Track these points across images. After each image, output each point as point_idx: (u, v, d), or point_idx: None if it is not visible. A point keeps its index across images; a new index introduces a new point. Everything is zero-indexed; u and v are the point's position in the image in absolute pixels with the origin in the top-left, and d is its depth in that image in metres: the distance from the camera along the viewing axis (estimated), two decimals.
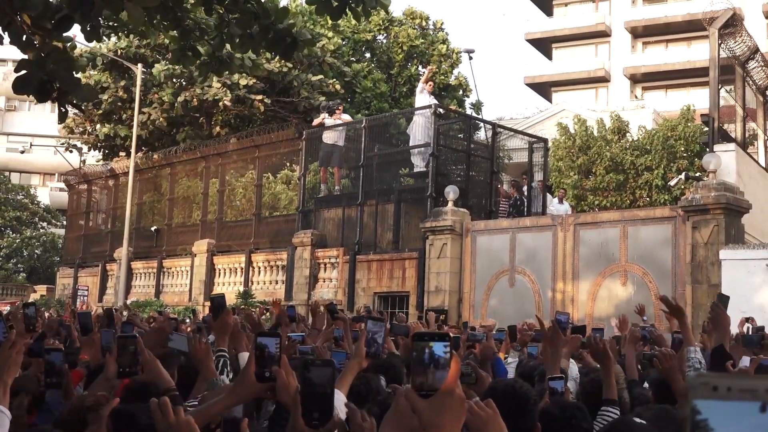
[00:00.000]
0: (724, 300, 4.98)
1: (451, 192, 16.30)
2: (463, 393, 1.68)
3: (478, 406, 1.95)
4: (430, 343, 1.62)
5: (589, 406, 3.91)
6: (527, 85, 49.09)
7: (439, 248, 16.15)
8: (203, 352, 3.59)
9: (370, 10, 6.23)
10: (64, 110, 6.41)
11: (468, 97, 34.13)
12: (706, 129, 17.99)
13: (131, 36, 24.99)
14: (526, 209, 18.79)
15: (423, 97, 18.42)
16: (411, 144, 18.36)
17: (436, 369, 1.62)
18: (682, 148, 23.01)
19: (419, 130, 17.98)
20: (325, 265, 18.42)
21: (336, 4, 6.29)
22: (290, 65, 25.78)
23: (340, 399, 2.28)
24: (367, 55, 32.83)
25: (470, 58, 22.03)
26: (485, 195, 18.69)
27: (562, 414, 3.37)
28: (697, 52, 41.21)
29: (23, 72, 5.96)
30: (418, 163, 18.08)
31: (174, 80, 26.27)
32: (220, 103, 25.32)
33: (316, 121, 19.62)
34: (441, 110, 18.14)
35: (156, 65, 26.34)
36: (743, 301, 12.34)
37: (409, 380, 1.68)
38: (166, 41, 10.49)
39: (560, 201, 19.52)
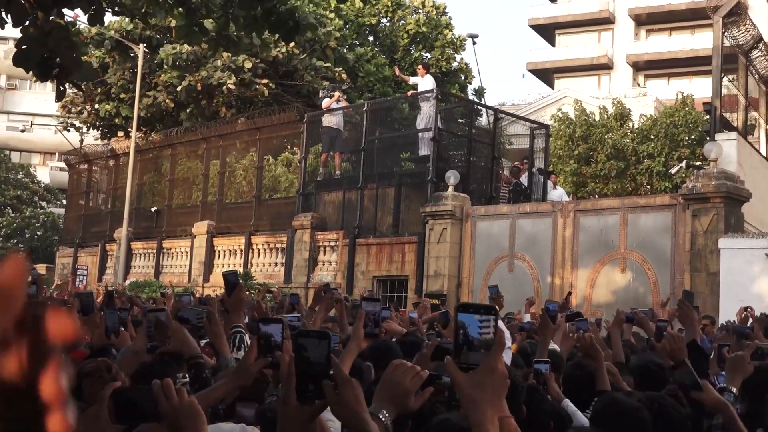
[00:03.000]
0: (689, 296, 5.10)
1: (452, 177, 16.25)
2: (506, 370, 1.66)
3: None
4: (475, 316, 1.62)
5: (581, 396, 4.01)
6: (530, 71, 48.97)
7: (438, 233, 16.16)
8: (216, 330, 3.54)
9: None
10: (63, 88, 6.41)
11: (470, 83, 33.88)
12: (707, 117, 18.01)
13: (136, 19, 24.98)
14: (527, 195, 18.60)
15: (425, 82, 18.35)
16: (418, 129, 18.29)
17: (478, 345, 1.60)
18: (685, 136, 23.05)
19: (424, 118, 17.94)
20: (325, 248, 18.42)
21: None
22: (296, 50, 25.70)
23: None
24: (371, 38, 32.73)
25: (474, 43, 21.91)
26: (486, 180, 18.68)
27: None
28: (700, 41, 41.12)
29: (23, 47, 5.95)
30: (425, 151, 18.00)
31: (179, 62, 26.22)
32: (224, 87, 25.22)
33: (325, 104, 19.61)
34: (440, 96, 18.01)
35: (161, 48, 26.26)
36: (742, 289, 12.44)
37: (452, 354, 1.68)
38: (172, 23, 10.42)
39: (554, 186, 19.53)
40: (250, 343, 2.66)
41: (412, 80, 19.62)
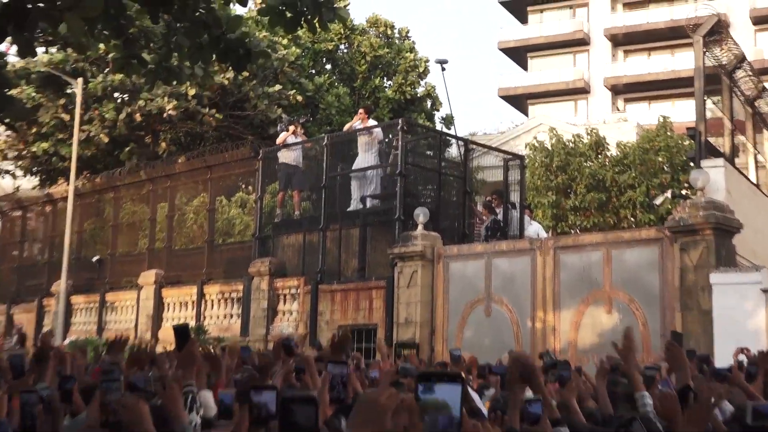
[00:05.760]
0: (678, 338, 5.08)
1: (421, 214, 16.15)
2: None
3: None
4: (437, 387, 1.55)
5: None
6: (502, 97, 49.41)
7: (408, 276, 16.01)
8: (171, 394, 3.41)
9: (327, 22, 6.22)
10: None
11: (438, 110, 34.26)
12: (689, 142, 18.18)
13: (68, 49, 24.80)
14: (504, 232, 18.48)
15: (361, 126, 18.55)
16: (355, 167, 18.32)
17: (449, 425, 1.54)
18: (664, 162, 23.33)
19: (363, 154, 18.09)
20: (285, 296, 18.25)
21: (291, 15, 6.28)
22: (246, 74, 25.67)
23: None
24: (328, 66, 32.96)
25: (443, 69, 22.00)
26: (458, 217, 18.61)
27: None
28: (681, 61, 41.89)
29: None
30: (376, 189, 18.06)
31: (116, 94, 26.05)
32: (165, 114, 25.05)
33: (279, 139, 19.61)
34: (405, 127, 17.93)
35: (92, 80, 26.05)
36: (737, 328, 12.37)
37: None
38: (109, 54, 10.40)
39: (530, 221, 19.41)
40: (241, 414, 2.57)
41: (350, 126, 19.37)
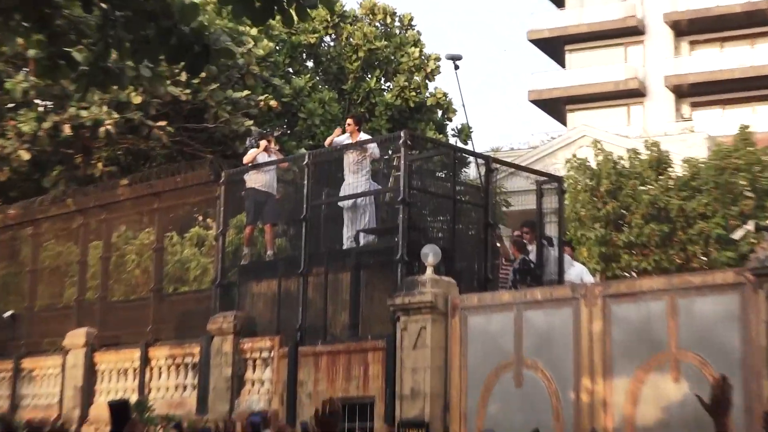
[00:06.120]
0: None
1: (431, 254, 16.02)
2: None
3: None
4: None
5: None
6: (533, 102, 49.55)
7: (415, 334, 15.86)
8: None
9: (307, 8, 6.23)
10: None
11: (451, 120, 34.32)
12: None
13: None
14: (537, 276, 18.40)
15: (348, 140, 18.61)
16: (342, 194, 18.29)
17: None
18: (745, 184, 23.34)
19: (352, 177, 18.15)
20: (255, 361, 18.16)
21: (259, 3, 6.29)
22: (203, 75, 25.66)
23: None
24: (310, 64, 32.97)
25: (456, 67, 22.05)
26: (478, 257, 18.46)
27: None
28: (762, 54, 42.07)
29: None
30: (370, 222, 18.11)
31: (37, 101, 25.96)
32: (102, 129, 24.95)
33: (247, 158, 19.61)
34: (410, 141, 17.82)
35: (9, 79, 25.92)
36: None
37: None
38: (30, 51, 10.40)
39: (571, 262, 19.45)
40: None
41: (331, 140, 19.30)
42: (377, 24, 34.00)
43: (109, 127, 24.67)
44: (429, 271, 16.05)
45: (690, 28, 46.63)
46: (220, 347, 18.57)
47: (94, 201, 22.48)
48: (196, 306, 20.15)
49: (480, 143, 74.87)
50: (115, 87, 9.41)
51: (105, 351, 20.91)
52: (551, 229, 19.68)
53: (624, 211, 23.37)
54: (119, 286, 22.39)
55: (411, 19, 34.97)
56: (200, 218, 22.02)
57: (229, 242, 19.98)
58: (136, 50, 7.39)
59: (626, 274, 22.36)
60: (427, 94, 33.15)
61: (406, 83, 32.46)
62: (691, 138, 32.17)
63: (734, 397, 13.32)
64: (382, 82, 32.76)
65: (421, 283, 16.00)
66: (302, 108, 30.00)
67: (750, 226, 19.46)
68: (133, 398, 19.15)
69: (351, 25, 33.38)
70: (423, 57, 33.03)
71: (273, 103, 27.50)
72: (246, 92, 26.62)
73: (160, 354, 19.97)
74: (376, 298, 17.44)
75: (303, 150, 26.38)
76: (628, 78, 46.49)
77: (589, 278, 19.37)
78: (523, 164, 23.62)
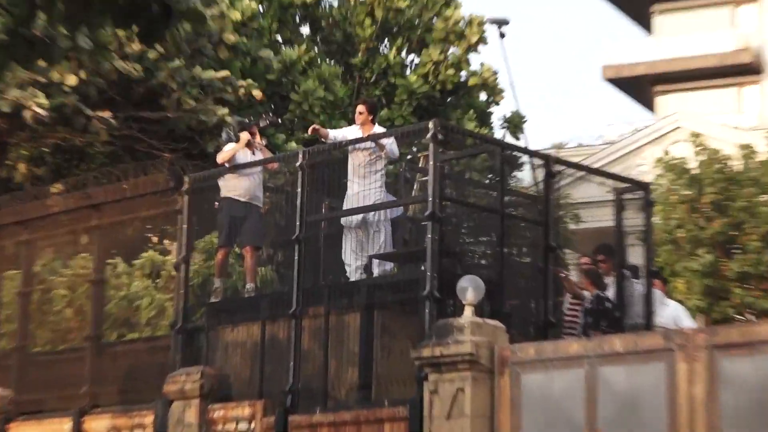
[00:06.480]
0: None
1: (470, 288, 15.98)
2: None
3: None
4: None
5: None
6: (609, 81, 49.69)
7: (449, 399, 15.93)
8: None
9: None
10: None
11: (497, 104, 34.37)
12: None
13: None
14: (616, 319, 18.81)
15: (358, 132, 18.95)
16: (346, 206, 18.71)
17: None
18: None
19: (361, 182, 18.58)
20: None
21: None
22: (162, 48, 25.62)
23: None
24: (306, 30, 32.99)
25: (501, 35, 22.57)
26: (535, 293, 18.82)
27: None
28: None
29: None
30: (385, 244, 18.63)
31: None
32: (26, 116, 24.95)
33: (222, 156, 19.60)
34: (442, 135, 18.27)
35: None
36: None
37: None
38: None
39: (663, 299, 19.88)
40: None
41: (332, 134, 19.94)
42: None
43: (36, 111, 24.51)
44: (468, 311, 16.09)
45: None
46: (181, 416, 18.69)
47: (12, 216, 22.51)
48: (148, 359, 20.26)
49: (536, 138, 75.96)
50: (42, 62, 9.44)
51: (23, 421, 21.00)
52: (636, 256, 19.95)
53: (735, 230, 23.24)
54: (43, 332, 22.48)
55: None
56: (155, 239, 21.79)
57: (194, 272, 20.40)
58: (71, 13, 7.86)
59: (740, 317, 22.32)
60: (463, 74, 32.92)
61: (439, 57, 32.37)
62: None
63: None
64: (404, 55, 32.84)
65: (457, 329, 16.25)
66: (295, 88, 30.03)
67: None
68: None
69: None
70: (460, 22, 32.86)
71: (257, 93, 27.52)
72: (223, 73, 26.60)
73: (99, 426, 19.97)
74: (395, 349, 17.75)
75: (296, 146, 26.65)
76: (737, 49, 46.52)
77: (688, 322, 19.62)
78: (595, 166, 23.70)
